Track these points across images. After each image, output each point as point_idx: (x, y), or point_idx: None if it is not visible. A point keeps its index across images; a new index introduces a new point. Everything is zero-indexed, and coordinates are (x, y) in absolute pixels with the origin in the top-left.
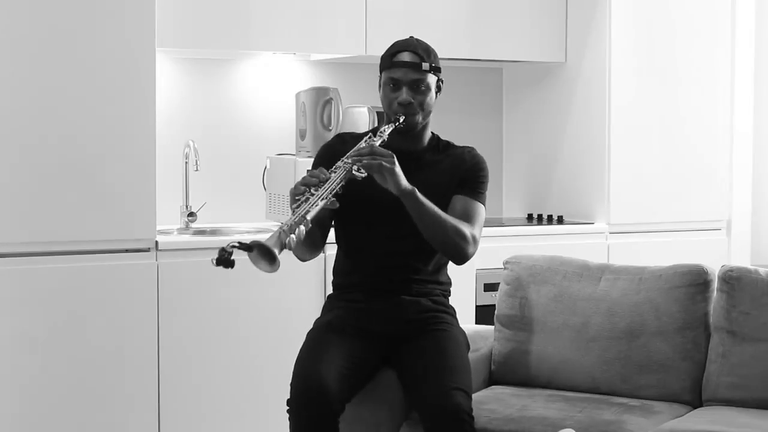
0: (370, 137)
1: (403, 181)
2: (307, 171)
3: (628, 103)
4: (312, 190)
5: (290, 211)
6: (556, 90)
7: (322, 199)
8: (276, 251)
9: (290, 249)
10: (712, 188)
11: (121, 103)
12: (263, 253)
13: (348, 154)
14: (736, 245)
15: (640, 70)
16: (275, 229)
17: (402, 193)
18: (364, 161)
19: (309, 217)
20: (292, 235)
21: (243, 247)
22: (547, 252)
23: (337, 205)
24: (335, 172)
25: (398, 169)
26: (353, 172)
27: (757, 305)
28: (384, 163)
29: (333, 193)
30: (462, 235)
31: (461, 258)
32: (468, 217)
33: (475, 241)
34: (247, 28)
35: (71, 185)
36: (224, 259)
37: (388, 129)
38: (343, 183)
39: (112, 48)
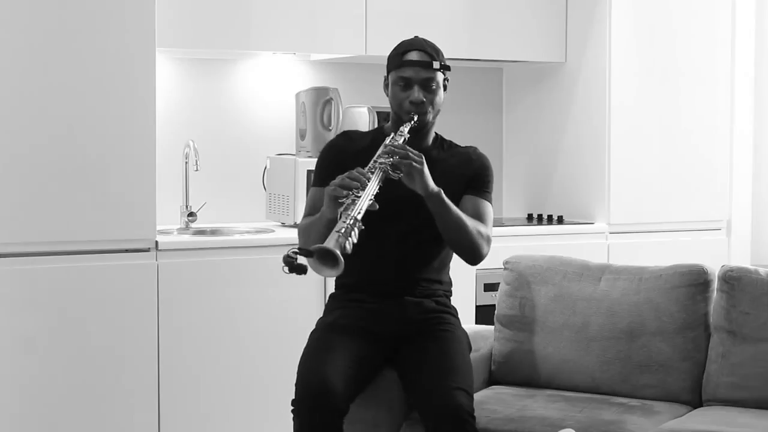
0: (392, 137)
1: (431, 182)
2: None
3: (628, 103)
4: (356, 193)
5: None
6: (556, 90)
7: (367, 200)
8: (338, 252)
9: (348, 252)
10: (712, 188)
11: (121, 104)
12: (324, 257)
13: (379, 152)
14: (736, 245)
15: (640, 70)
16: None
17: (428, 195)
18: (397, 158)
19: (359, 218)
20: (349, 238)
21: (303, 252)
22: (547, 252)
23: (377, 206)
24: (373, 173)
25: (426, 170)
26: (389, 173)
27: (757, 305)
28: (415, 164)
29: (374, 194)
30: (481, 236)
31: (477, 258)
32: (479, 217)
33: (489, 241)
34: (247, 28)
35: (71, 185)
36: (295, 266)
37: (406, 128)
38: (381, 184)
39: (112, 48)
